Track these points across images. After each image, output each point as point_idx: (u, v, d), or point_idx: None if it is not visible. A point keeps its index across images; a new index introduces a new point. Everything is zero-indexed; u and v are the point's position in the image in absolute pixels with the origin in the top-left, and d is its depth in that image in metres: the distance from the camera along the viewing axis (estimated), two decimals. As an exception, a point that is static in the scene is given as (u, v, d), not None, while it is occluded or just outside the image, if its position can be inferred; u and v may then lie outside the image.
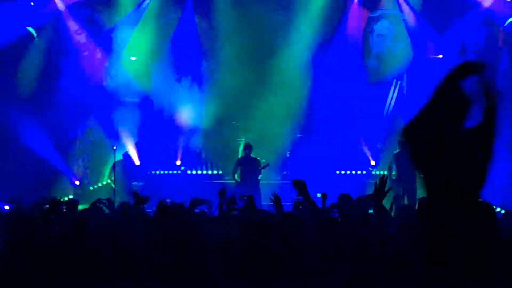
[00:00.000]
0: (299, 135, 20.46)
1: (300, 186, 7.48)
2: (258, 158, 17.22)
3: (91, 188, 19.06)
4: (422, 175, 4.22)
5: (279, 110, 20.66)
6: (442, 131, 4.20)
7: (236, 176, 16.79)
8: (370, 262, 5.52)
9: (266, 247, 5.73)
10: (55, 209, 6.95)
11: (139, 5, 19.91)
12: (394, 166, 16.39)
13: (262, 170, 17.56)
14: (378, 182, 7.20)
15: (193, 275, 5.55)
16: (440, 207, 4.07)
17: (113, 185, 17.59)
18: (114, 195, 16.41)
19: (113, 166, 17.71)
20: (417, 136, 4.24)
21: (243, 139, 19.65)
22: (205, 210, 9.90)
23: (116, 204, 10.80)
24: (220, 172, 20.56)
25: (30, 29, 17.99)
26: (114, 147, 17.63)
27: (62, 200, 6.94)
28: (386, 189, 5.99)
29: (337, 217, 7.89)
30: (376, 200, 5.94)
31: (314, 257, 5.62)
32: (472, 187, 4.08)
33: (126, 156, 18.37)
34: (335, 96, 19.88)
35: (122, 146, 19.10)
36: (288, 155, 20.29)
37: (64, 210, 7.01)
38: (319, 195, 9.88)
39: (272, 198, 8.82)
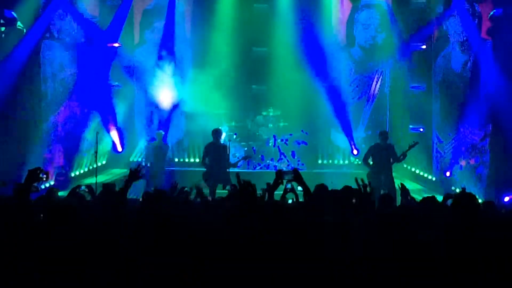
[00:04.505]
0: (282, 124, 20.45)
1: (296, 172, 7.66)
2: (226, 144, 16.85)
3: (72, 174, 18.93)
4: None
5: (263, 99, 20.73)
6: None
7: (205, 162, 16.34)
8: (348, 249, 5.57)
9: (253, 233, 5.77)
10: (35, 177, 6.87)
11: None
12: (371, 157, 16.31)
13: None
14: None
15: (180, 262, 5.55)
16: None
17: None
18: (96, 180, 16.32)
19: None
20: None
21: (225, 127, 19.65)
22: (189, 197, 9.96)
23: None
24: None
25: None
26: (97, 132, 17.54)
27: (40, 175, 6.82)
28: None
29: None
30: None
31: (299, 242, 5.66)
32: None
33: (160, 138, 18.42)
34: (319, 85, 19.87)
35: (105, 131, 19.12)
36: (271, 143, 20.26)
37: (44, 178, 6.95)
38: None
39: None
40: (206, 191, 13.78)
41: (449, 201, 7.73)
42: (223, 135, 17.20)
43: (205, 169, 15.94)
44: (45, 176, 6.96)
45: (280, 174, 7.79)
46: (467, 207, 5.84)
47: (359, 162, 19.94)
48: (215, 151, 15.97)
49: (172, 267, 5.51)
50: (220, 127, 18.84)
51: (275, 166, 19.48)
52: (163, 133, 18.61)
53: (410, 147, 16.06)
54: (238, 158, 17.77)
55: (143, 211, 7.37)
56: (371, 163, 16.09)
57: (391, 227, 5.75)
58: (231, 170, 15.93)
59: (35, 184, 7.32)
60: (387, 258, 5.39)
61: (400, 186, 9.64)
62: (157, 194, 7.91)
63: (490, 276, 5.15)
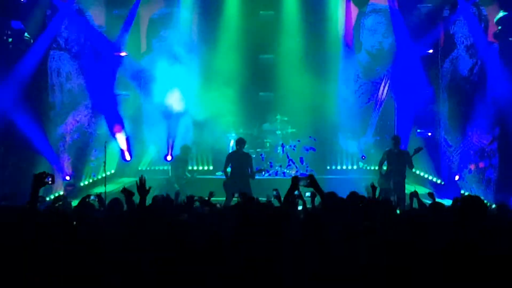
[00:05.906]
0: (290, 131, 20.37)
1: (312, 178, 7.68)
2: (249, 153, 16.90)
3: (80, 184, 18.95)
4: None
5: (270, 105, 20.71)
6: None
7: (227, 171, 16.42)
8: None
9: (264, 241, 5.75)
10: (41, 182, 6.86)
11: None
12: (386, 162, 16.29)
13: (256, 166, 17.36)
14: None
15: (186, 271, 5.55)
16: None
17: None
18: (105, 190, 16.31)
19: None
20: None
21: (233, 134, 19.63)
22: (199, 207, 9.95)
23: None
24: (211, 167, 20.57)
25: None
26: (105, 142, 17.56)
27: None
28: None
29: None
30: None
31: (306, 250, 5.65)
32: None
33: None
34: (326, 91, 19.83)
35: (113, 141, 19.10)
36: (279, 150, 20.18)
37: (50, 182, 6.93)
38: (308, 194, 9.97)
39: (275, 193, 9.19)
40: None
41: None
42: (232, 143, 17.24)
43: (225, 178, 16.01)
44: (50, 179, 6.95)
45: (296, 180, 7.75)
46: (475, 210, 5.82)
47: (368, 167, 19.93)
48: (237, 160, 15.99)
49: (171, 268, 5.52)
50: (228, 135, 18.93)
51: (283, 173, 19.43)
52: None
53: (415, 152, 16.01)
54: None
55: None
56: (385, 168, 16.05)
57: (396, 231, 5.75)
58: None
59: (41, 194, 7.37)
60: (391, 262, 5.38)
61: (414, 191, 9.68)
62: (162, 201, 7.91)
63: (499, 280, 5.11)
